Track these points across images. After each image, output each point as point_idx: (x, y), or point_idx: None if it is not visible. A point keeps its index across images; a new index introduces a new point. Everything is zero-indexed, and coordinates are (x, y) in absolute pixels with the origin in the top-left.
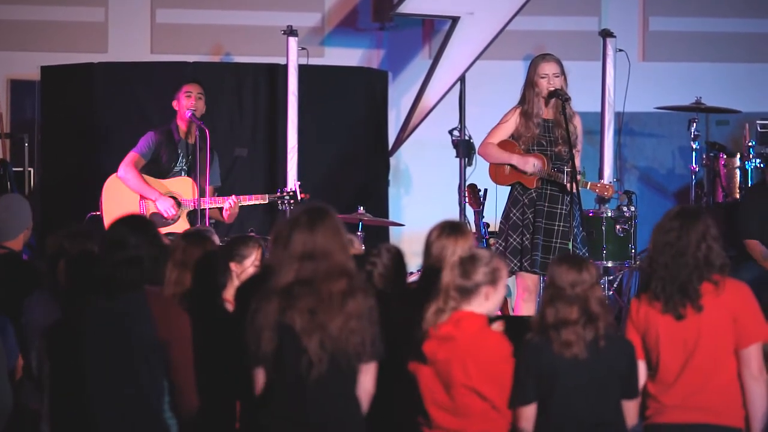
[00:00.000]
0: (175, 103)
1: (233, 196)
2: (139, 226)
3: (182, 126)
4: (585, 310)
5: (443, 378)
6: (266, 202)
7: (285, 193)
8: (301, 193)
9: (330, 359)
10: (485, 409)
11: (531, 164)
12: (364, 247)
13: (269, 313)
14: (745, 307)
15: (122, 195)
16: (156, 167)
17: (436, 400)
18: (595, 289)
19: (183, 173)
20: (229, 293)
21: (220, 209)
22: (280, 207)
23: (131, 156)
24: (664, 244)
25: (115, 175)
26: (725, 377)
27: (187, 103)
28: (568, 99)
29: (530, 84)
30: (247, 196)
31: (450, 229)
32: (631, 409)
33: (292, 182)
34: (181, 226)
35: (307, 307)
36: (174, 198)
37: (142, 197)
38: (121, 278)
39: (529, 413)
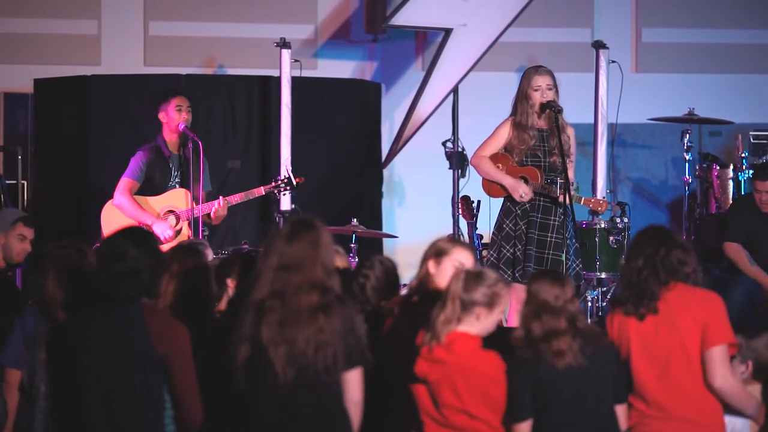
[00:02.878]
0: (162, 116)
1: (220, 197)
2: (139, 239)
3: (171, 139)
4: (571, 320)
5: (434, 398)
6: (263, 194)
7: (280, 181)
8: (295, 177)
9: (298, 372)
10: (477, 427)
11: (519, 194)
12: (357, 260)
13: (245, 326)
14: (710, 311)
15: (121, 220)
16: (151, 186)
17: (430, 414)
18: (576, 302)
19: (177, 186)
20: (224, 305)
21: (208, 213)
22: (277, 196)
23: (124, 182)
24: (628, 260)
25: (110, 202)
26: (701, 384)
27: (179, 117)
28: (560, 111)
29: (523, 96)
30: (240, 194)
31: (450, 238)
32: (621, 413)
33: (284, 170)
34: (185, 237)
35: (276, 319)
36: (173, 211)
37: (139, 223)
38: (119, 290)
39: (525, 430)
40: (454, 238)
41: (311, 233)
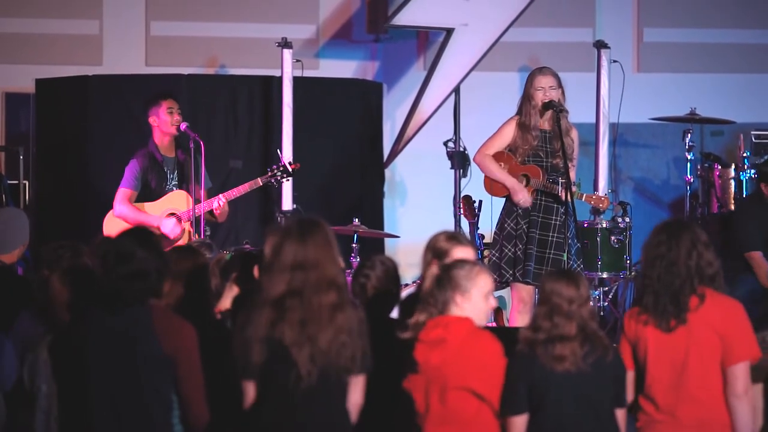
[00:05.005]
0: (153, 119)
1: (220, 194)
2: (146, 240)
3: (163, 142)
4: (582, 326)
5: (435, 384)
6: (261, 185)
7: (276, 169)
8: (291, 164)
9: (319, 372)
10: (478, 414)
11: (520, 197)
12: (359, 260)
13: (260, 325)
14: (733, 324)
15: (123, 228)
16: (149, 192)
17: (427, 409)
18: (589, 303)
19: (175, 188)
20: (225, 304)
21: (212, 211)
22: (275, 184)
23: (122, 192)
24: (655, 257)
25: (111, 213)
26: (714, 393)
27: (171, 119)
28: (562, 110)
29: (527, 97)
30: (239, 188)
31: (449, 236)
32: (620, 417)
33: (281, 157)
34: (187, 239)
35: (298, 319)
36: (174, 213)
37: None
38: (127, 291)
39: (520, 424)
40: (453, 234)
41: (322, 231)
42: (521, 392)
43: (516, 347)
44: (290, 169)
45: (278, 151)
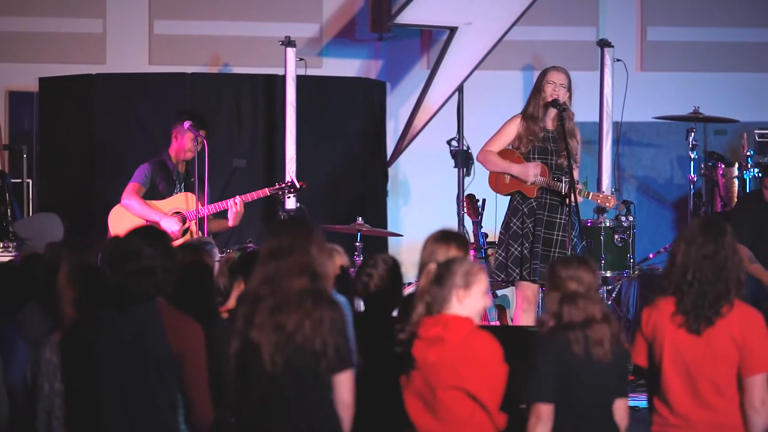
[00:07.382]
0: (175, 134)
1: (237, 196)
2: (154, 238)
3: (177, 156)
4: (604, 312)
5: (431, 381)
6: (268, 195)
7: (284, 184)
8: (299, 182)
9: (287, 361)
10: (472, 415)
11: (532, 174)
12: (362, 259)
13: (237, 320)
14: (752, 335)
15: (128, 222)
16: (155, 194)
17: (423, 405)
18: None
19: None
20: (232, 303)
21: (221, 215)
22: (281, 199)
23: (131, 186)
24: (703, 257)
25: (119, 204)
26: (730, 400)
27: (190, 146)
28: (566, 109)
29: (537, 90)
30: (252, 193)
31: (443, 235)
32: (622, 408)
33: (289, 174)
34: (189, 238)
35: (268, 307)
36: (179, 212)
37: (147, 221)
38: (134, 289)
39: (547, 413)
40: (445, 234)
41: (301, 225)
42: (552, 376)
43: (545, 332)
44: (298, 186)
45: (290, 175)
